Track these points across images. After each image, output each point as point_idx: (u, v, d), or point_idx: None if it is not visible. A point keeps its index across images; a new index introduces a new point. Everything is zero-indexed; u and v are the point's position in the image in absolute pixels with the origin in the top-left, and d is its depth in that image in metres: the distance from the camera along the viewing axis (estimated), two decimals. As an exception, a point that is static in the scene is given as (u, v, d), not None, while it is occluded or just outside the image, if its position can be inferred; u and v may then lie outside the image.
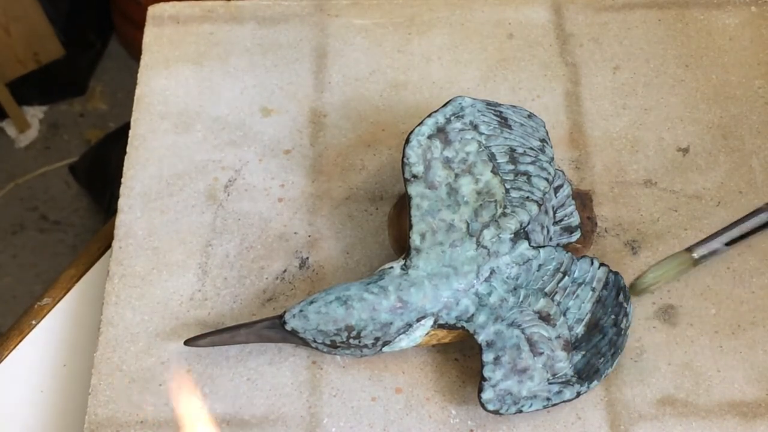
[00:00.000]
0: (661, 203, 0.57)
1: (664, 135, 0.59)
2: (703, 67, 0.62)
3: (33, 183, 1.45)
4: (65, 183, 1.44)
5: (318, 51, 0.63)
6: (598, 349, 0.50)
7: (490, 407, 0.47)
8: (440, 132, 0.51)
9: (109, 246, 0.57)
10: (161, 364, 0.51)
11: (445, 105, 0.51)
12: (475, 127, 0.51)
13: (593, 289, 0.50)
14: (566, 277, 0.50)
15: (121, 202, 0.57)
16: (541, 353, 0.48)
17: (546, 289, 0.50)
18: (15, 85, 1.45)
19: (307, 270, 0.55)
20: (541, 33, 0.63)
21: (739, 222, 0.53)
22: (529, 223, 0.50)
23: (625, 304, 0.50)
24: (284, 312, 0.48)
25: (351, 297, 0.47)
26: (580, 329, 0.50)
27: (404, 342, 0.49)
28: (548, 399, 0.48)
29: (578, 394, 0.49)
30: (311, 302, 0.48)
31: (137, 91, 0.61)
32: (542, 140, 0.52)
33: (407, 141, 0.50)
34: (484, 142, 0.51)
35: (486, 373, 0.47)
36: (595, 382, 0.49)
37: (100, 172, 1.34)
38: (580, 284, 0.50)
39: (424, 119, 0.51)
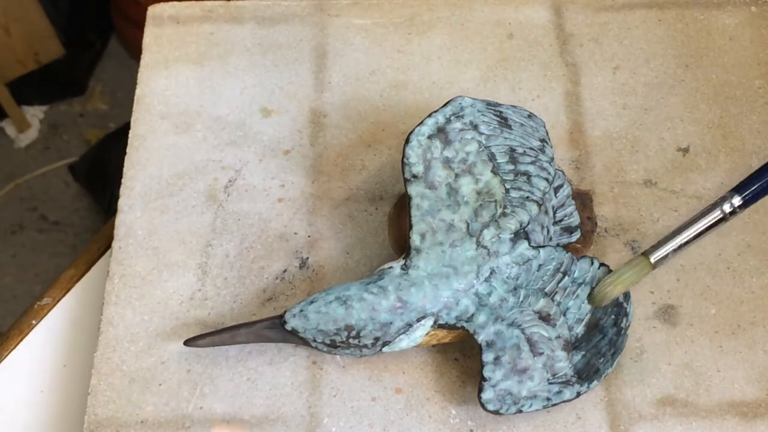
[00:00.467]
0: (661, 203, 0.57)
1: (664, 135, 0.59)
2: (703, 67, 0.62)
3: (33, 183, 1.45)
4: (65, 183, 1.45)
5: (318, 51, 0.63)
6: (598, 349, 0.50)
7: (490, 407, 0.47)
8: (440, 132, 0.51)
9: (109, 246, 0.57)
10: (161, 364, 0.51)
11: (445, 105, 0.51)
12: (475, 127, 0.51)
13: (593, 289, 0.50)
14: (566, 277, 0.50)
15: (121, 202, 0.57)
16: (541, 353, 0.49)
17: (546, 289, 0.50)
18: (15, 85, 1.45)
19: (307, 270, 0.55)
20: (541, 33, 0.63)
21: (694, 220, 0.51)
22: (529, 223, 0.50)
23: (625, 304, 0.50)
24: (284, 312, 0.48)
25: (351, 297, 0.47)
26: (580, 329, 0.50)
27: (404, 342, 0.49)
28: (548, 399, 0.48)
29: (578, 394, 0.49)
30: (311, 302, 0.48)
31: (137, 91, 0.61)
32: (542, 140, 0.52)
33: (407, 141, 0.50)
34: (484, 142, 0.51)
35: (486, 373, 0.48)
36: (595, 382, 0.49)
37: (100, 172, 1.34)
38: (580, 284, 0.50)
39: (424, 119, 0.51)
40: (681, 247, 0.51)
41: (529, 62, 0.62)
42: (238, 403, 0.50)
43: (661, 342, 0.52)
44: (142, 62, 0.62)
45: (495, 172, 0.50)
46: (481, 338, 0.48)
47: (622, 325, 0.50)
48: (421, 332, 0.48)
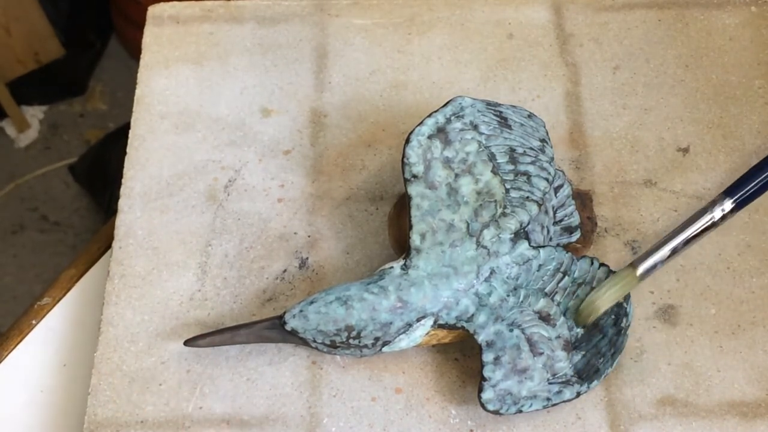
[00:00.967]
0: (661, 203, 0.57)
1: (664, 135, 0.59)
2: (703, 67, 0.62)
3: (33, 183, 1.45)
4: (65, 183, 1.45)
5: (318, 51, 0.63)
6: (598, 349, 0.50)
7: (490, 407, 0.47)
8: (440, 132, 0.51)
9: (109, 246, 0.57)
10: (161, 364, 0.51)
11: (445, 105, 0.51)
12: (475, 127, 0.51)
13: (593, 289, 0.50)
14: (566, 277, 0.50)
15: (121, 202, 0.57)
16: (541, 353, 0.49)
17: (546, 289, 0.50)
18: (15, 85, 1.45)
19: (307, 270, 0.55)
20: (541, 33, 0.63)
21: (684, 228, 0.51)
22: (529, 223, 0.50)
23: (625, 304, 0.50)
24: (284, 312, 0.48)
25: (351, 297, 0.47)
26: (580, 329, 0.50)
27: (404, 342, 0.49)
28: (548, 399, 0.48)
29: (578, 394, 0.49)
30: (311, 302, 0.48)
31: (137, 91, 0.61)
32: (542, 140, 0.52)
33: (407, 141, 0.50)
34: (484, 142, 0.51)
35: (486, 373, 0.48)
36: (595, 382, 0.49)
37: (100, 172, 1.34)
38: (580, 284, 0.50)
39: (424, 119, 0.51)
40: (671, 255, 0.50)
41: (529, 62, 0.62)
42: (238, 403, 0.50)
43: (661, 342, 0.52)
44: (142, 62, 0.62)
45: (495, 172, 0.50)
46: (481, 338, 0.48)
47: (622, 325, 0.50)
48: (421, 332, 0.48)
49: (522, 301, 0.49)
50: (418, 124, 0.51)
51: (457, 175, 0.50)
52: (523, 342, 0.48)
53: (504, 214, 0.49)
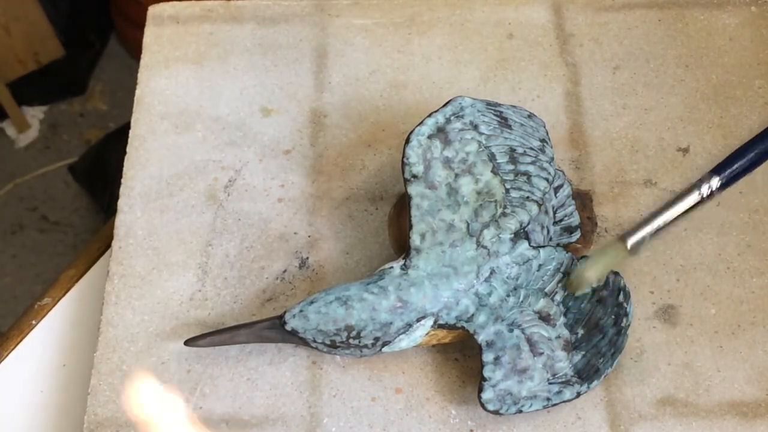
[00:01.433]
0: (661, 203, 0.57)
1: (664, 135, 0.59)
2: (703, 67, 0.62)
3: (33, 183, 1.45)
4: (65, 183, 1.45)
5: (318, 51, 0.63)
6: (598, 349, 0.50)
7: (490, 407, 0.47)
8: (440, 132, 0.51)
9: (109, 246, 0.57)
10: (161, 365, 0.51)
11: (445, 105, 0.51)
12: (475, 127, 0.51)
13: (593, 289, 0.50)
14: (566, 277, 0.50)
15: (121, 202, 0.57)
16: (541, 353, 0.49)
17: (546, 289, 0.50)
18: (15, 85, 1.45)
19: (307, 270, 0.55)
20: (541, 33, 0.63)
21: (672, 203, 0.53)
22: (529, 223, 0.50)
23: (625, 304, 0.50)
24: (284, 312, 0.48)
25: (351, 297, 0.47)
26: (580, 329, 0.50)
27: (404, 342, 0.49)
28: (548, 399, 0.48)
29: (578, 394, 0.49)
30: (311, 302, 0.48)
31: (137, 91, 0.61)
32: (542, 140, 0.52)
33: (407, 141, 0.50)
34: (484, 142, 0.51)
35: (486, 373, 0.48)
36: (595, 382, 0.49)
37: (100, 172, 1.34)
38: (580, 284, 0.51)
39: (424, 119, 0.51)
40: (660, 230, 0.52)
41: (529, 62, 0.62)
42: (238, 403, 0.50)
43: (661, 342, 0.52)
44: (142, 62, 0.62)
45: (495, 172, 0.50)
46: (481, 338, 0.48)
47: (622, 325, 0.50)
48: (421, 332, 0.48)
49: (522, 301, 0.49)
50: (418, 124, 0.51)
51: (457, 175, 0.50)
52: (523, 342, 0.48)
53: (504, 214, 0.49)
